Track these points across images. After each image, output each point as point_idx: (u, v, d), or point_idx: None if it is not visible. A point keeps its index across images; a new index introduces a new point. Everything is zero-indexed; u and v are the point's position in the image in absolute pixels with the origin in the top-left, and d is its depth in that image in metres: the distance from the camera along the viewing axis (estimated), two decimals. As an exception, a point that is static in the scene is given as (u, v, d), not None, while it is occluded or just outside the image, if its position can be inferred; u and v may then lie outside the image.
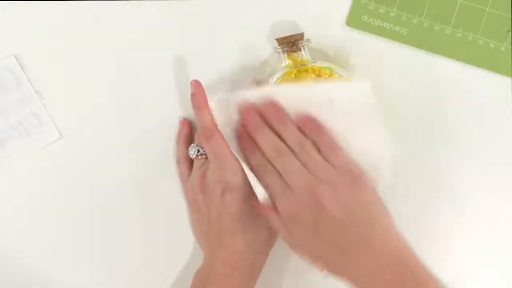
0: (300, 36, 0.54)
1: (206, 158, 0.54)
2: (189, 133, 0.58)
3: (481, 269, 0.58)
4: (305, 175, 0.48)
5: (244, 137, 0.52)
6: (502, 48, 0.57)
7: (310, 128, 0.50)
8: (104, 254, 0.59)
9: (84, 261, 0.59)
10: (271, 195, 0.50)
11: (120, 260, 0.59)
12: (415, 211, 0.57)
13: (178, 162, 0.58)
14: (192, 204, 0.56)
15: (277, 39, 0.55)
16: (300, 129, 0.50)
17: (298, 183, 0.48)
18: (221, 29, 0.58)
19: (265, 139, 0.50)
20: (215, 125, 0.52)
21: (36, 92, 0.58)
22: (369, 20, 0.58)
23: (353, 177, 0.48)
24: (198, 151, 0.55)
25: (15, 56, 0.57)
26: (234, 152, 0.51)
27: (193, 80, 0.53)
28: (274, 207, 0.49)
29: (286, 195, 0.48)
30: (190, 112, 0.56)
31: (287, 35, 0.54)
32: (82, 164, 0.59)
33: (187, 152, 0.56)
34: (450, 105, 0.58)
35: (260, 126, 0.51)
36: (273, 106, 0.51)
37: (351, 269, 0.47)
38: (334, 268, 0.48)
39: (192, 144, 0.56)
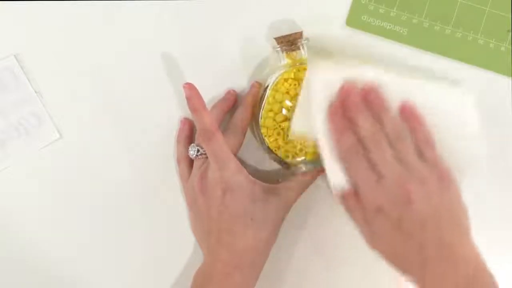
0: (299, 35, 0.54)
1: (206, 158, 0.54)
2: (189, 133, 0.58)
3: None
4: (399, 168, 0.47)
5: (339, 116, 0.49)
6: (502, 48, 0.57)
7: (411, 119, 0.49)
8: (104, 254, 0.59)
9: (84, 261, 0.59)
10: (354, 182, 0.48)
11: (120, 260, 0.59)
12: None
13: (178, 162, 0.58)
14: (192, 204, 0.56)
15: (276, 38, 0.55)
16: (401, 120, 0.49)
17: (391, 174, 0.47)
18: (220, 29, 0.58)
19: (366, 123, 0.48)
20: (215, 125, 0.53)
21: (36, 92, 0.58)
22: (369, 20, 0.58)
23: (442, 177, 0.48)
24: (198, 151, 0.55)
25: (15, 56, 0.57)
26: (318, 127, 0.49)
27: (186, 83, 0.53)
28: (355, 195, 0.48)
29: (375, 185, 0.47)
30: (190, 112, 0.56)
31: (285, 34, 0.54)
32: (82, 164, 0.59)
33: (187, 152, 0.56)
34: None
35: (362, 109, 0.49)
36: (377, 92, 0.49)
37: (425, 271, 0.46)
38: (408, 267, 0.47)
39: (192, 144, 0.56)
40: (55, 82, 0.58)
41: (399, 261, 0.48)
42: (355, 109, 0.49)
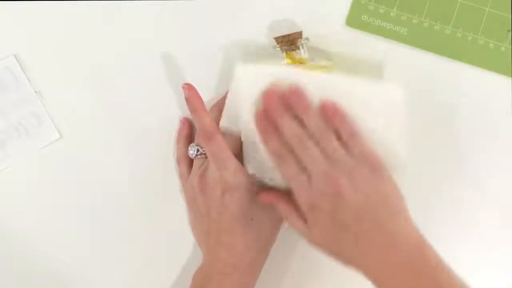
0: (299, 34, 0.54)
1: (206, 157, 0.54)
2: (189, 132, 0.58)
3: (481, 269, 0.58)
4: (324, 163, 0.48)
5: (264, 120, 0.50)
6: (502, 48, 0.57)
7: (332, 115, 0.49)
8: (104, 254, 0.59)
9: (84, 261, 0.59)
10: (287, 183, 0.49)
11: (120, 260, 0.59)
12: (415, 210, 0.57)
13: (178, 161, 0.58)
14: (192, 203, 0.56)
15: (275, 38, 0.55)
16: (323, 118, 0.50)
17: (317, 170, 0.47)
18: (220, 29, 0.58)
19: (287, 125, 0.49)
20: (215, 125, 0.53)
21: (36, 92, 0.58)
22: (369, 20, 0.58)
23: (373, 167, 0.48)
24: (198, 150, 0.55)
25: (15, 56, 0.57)
26: (248, 133, 0.51)
27: (185, 84, 0.53)
28: (289, 197, 0.49)
29: (305, 184, 0.48)
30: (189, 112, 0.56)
31: (285, 34, 0.54)
32: (82, 164, 0.59)
33: (187, 152, 0.56)
34: (450, 105, 0.58)
35: (283, 112, 0.50)
36: (298, 93, 0.49)
37: (368, 261, 0.47)
38: (351, 259, 0.48)
39: (192, 144, 0.56)
40: (55, 82, 0.58)
41: (339, 254, 0.48)
42: (277, 113, 0.50)
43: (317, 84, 0.50)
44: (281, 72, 0.51)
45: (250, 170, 0.53)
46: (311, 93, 0.50)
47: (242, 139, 0.53)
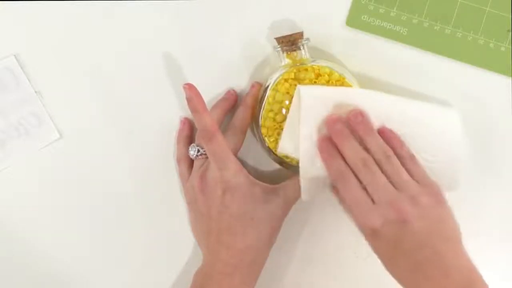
0: (300, 35, 0.54)
1: (206, 158, 0.54)
2: (190, 133, 0.58)
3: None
4: (391, 189, 0.47)
5: (327, 143, 0.50)
6: (502, 48, 0.57)
7: (391, 139, 0.50)
8: (104, 254, 0.59)
9: (84, 261, 0.59)
10: (348, 206, 0.49)
11: (120, 260, 0.59)
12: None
13: (178, 162, 0.58)
14: (192, 204, 0.56)
15: (276, 38, 0.55)
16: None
17: (383, 196, 0.47)
18: (220, 29, 0.58)
19: (352, 149, 0.49)
20: (215, 126, 0.53)
21: (36, 92, 0.58)
22: (369, 20, 0.58)
23: (434, 192, 0.48)
24: (198, 151, 0.55)
25: (15, 56, 0.57)
26: (308, 156, 0.50)
27: (186, 84, 0.53)
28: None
29: (369, 207, 0.47)
30: (190, 112, 0.56)
31: (286, 34, 0.54)
32: (82, 164, 0.59)
33: (187, 152, 0.56)
34: (449, 105, 0.58)
35: (347, 137, 0.49)
36: (362, 117, 0.50)
37: (420, 283, 0.46)
38: (405, 282, 0.47)
39: (192, 144, 0.56)
40: (55, 82, 0.58)
41: (401, 279, 0.47)
42: (341, 138, 0.50)
43: (379, 105, 0.51)
44: (342, 92, 0.52)
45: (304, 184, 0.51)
46: (372, 114, 0.50)
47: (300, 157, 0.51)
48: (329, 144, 0.50)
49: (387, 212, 0.47)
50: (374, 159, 0.49)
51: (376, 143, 0.49)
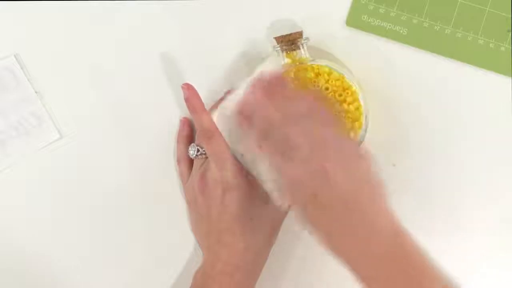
0: (299, 34, 0.54)
1: (206, 157, 0.54)
2: (189, 132, 0.58)
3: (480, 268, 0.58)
4: (312, 143, 0.46)
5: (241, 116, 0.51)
6: (502, 48, 0.57)
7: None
8: (104, 254, 0.59)
9: (84, 261, 0.59)
10: (275, 168, 0.48)
11: (120, 260, 0.59)
12: (414, 210, 0.57)
13: (178, 161, 0.58)
14: (192, 204, 0.56)
15: (276, 38, 0.55)
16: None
17: (305, 148, 0.46)
18: (220, 29, 0.58)
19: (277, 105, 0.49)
20: (214, 126, 0.53)
21: (36, 92, 0.58)
22: (369, 20, 0.58)
23: (359, 150, 0.48)
24: (198, 150, 0.55)
25: (15, 56, 0.57)
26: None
27: (184, 84, 0.53)
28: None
29: (290, 162, 0.46)
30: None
31: (286, 33, 0.54)
32: (82, 164, 0.59)
33: (187, 152, 0.56)
34: (450, 105, 0.58)
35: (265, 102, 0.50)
36: (278, 79, 0.50)
37: (349, 248, 0.46)
38: (334, 245, 0.46)
39: (192, 144, 0.56)
40: (55, 82, 0.58)
41: (327, 240, 0.47)
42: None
43: None
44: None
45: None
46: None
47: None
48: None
49: (308, 164, 0.46)
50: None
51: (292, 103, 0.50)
